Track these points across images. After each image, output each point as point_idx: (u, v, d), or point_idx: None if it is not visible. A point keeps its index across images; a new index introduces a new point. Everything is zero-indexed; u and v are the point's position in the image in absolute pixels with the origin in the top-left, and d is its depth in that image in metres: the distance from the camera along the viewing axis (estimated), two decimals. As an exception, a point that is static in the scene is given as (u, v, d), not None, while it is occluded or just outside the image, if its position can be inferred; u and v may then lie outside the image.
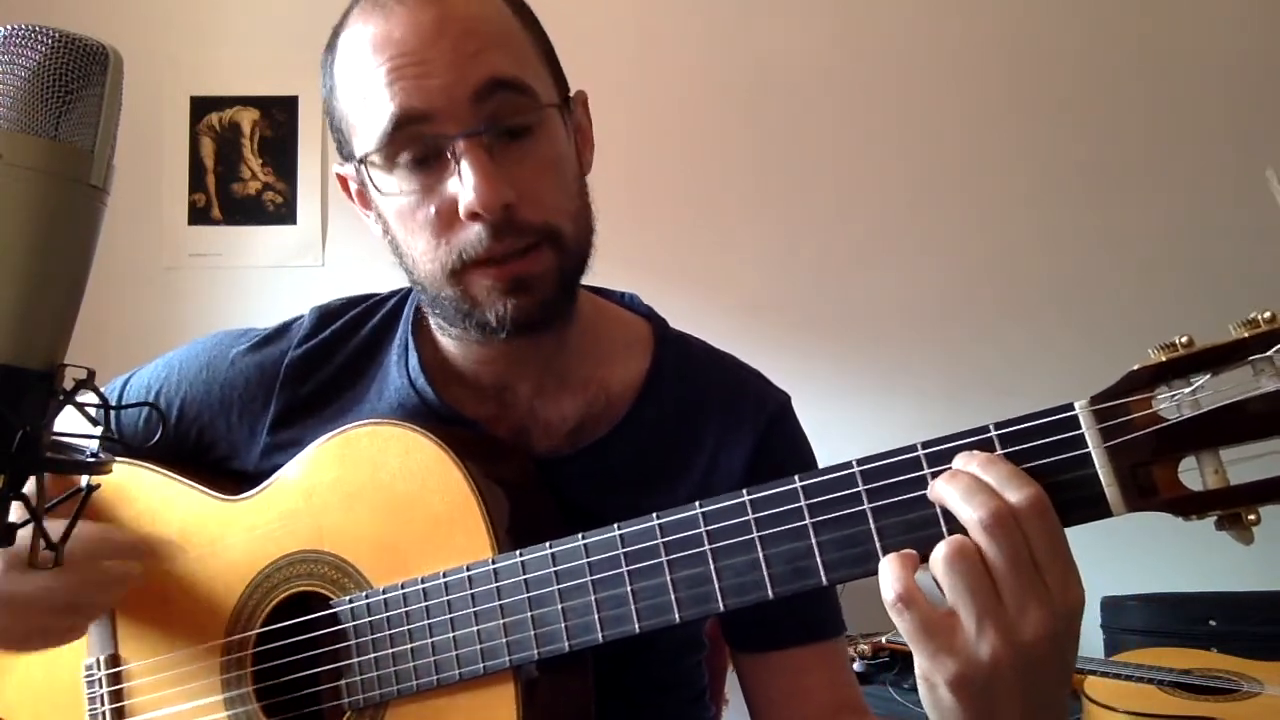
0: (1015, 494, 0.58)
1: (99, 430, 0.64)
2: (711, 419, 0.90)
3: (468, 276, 0.79)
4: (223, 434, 0.93)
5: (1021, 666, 0.58)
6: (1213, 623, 2.00)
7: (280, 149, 2.45)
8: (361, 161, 0.79)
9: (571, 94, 0.85)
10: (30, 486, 0.58)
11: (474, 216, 0.75)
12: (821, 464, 0.76)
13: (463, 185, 0.75)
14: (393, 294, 0.97)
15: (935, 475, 0.62)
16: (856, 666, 1.91)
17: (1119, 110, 2.36)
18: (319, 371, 0.92)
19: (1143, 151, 2.36)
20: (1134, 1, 2.38)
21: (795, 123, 2.41)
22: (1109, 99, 2.36)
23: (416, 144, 0.76)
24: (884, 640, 1.93)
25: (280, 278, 2.46)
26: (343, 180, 0.89)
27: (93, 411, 0.65)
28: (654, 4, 2.46)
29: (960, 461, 0.61)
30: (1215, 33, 2.34)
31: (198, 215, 2.46)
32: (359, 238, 2.40)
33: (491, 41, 0.77)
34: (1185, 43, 2.35)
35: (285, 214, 2.45)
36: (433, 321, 0.90)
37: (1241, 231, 2.28)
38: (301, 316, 0.96)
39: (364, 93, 0.78)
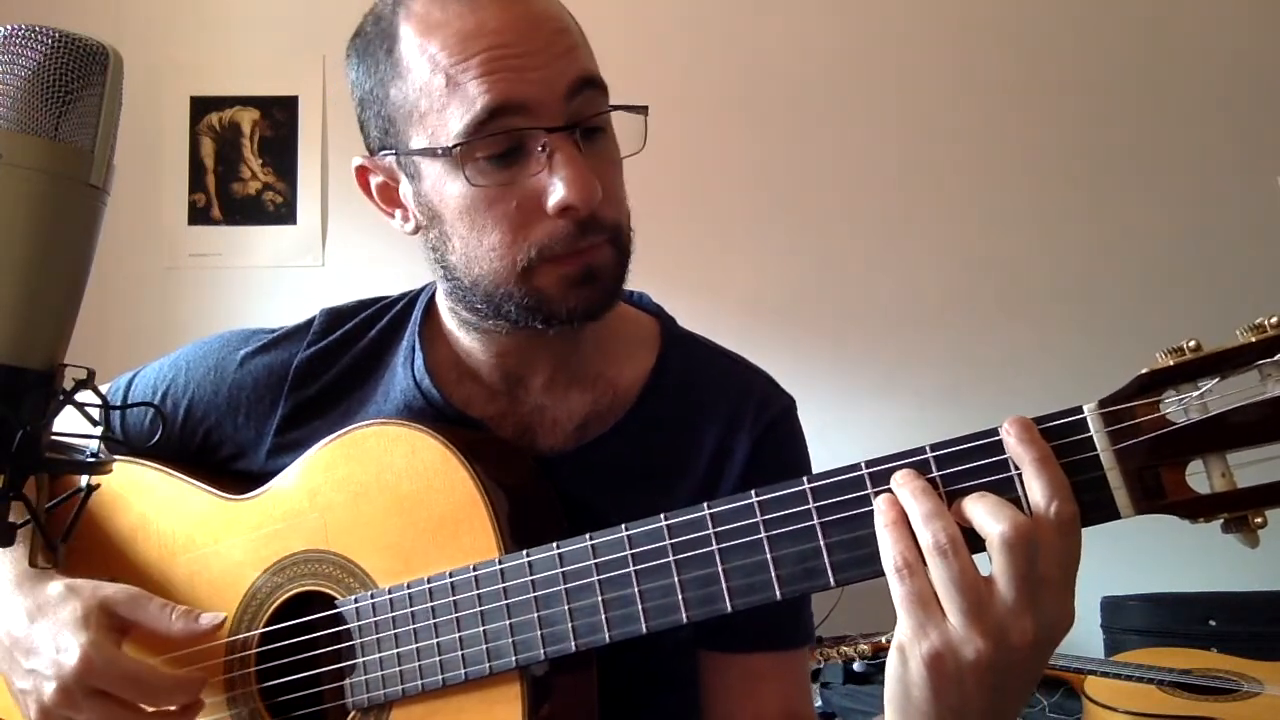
0: (1056, 504, 0.59)
1: (99, 430, 0.64)
2: (713, 420, 0.89)
3: (539, 272, 0.78)
4: (229, 434, 0.93)
5: (1001, 666, 0.59)
6: (1213, 623, 2.00)
7: (280, 149, 2.45)
8: (432, 152, 0.77)
9: None
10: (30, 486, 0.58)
11: (565, 211, 0.75)
12: (822, 465, 0.76)
13: (555, 180, 0.75)
14: (401, 296, 0.97)
15: (945, 477, 0.63)
16: (856, 666, 1.90)
17: (1122, 110, 2.36)
18: (327, 372, 0.92)
19: (1145, 151, 2.36)
20: (1138, 0, 2.38)
21: (796, 122, 2.41)
22: (1112, 98, 2.36)
23: (505, 136, 0.75)
24: (884, 640, 1.92)
25: (280, 278, 2.45)
26: (362, 173, 0.86)
27: (93, 412, 0.65)
28: (655, 3, 2.46)
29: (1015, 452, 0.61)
30: (1221, 31, 2.34)
31: (198, 215, 2.45)
32: (359, 238, 2.40)
33: (578, 41, 0.79)
34: (1190, 41, 2.35)
35: (285, 214, 2.45)
36: (453, 319, 0.89)
37: (1245, 232, 2.28)
38: (313, 318, 0.95)
39: (448, 82, 0.76)
